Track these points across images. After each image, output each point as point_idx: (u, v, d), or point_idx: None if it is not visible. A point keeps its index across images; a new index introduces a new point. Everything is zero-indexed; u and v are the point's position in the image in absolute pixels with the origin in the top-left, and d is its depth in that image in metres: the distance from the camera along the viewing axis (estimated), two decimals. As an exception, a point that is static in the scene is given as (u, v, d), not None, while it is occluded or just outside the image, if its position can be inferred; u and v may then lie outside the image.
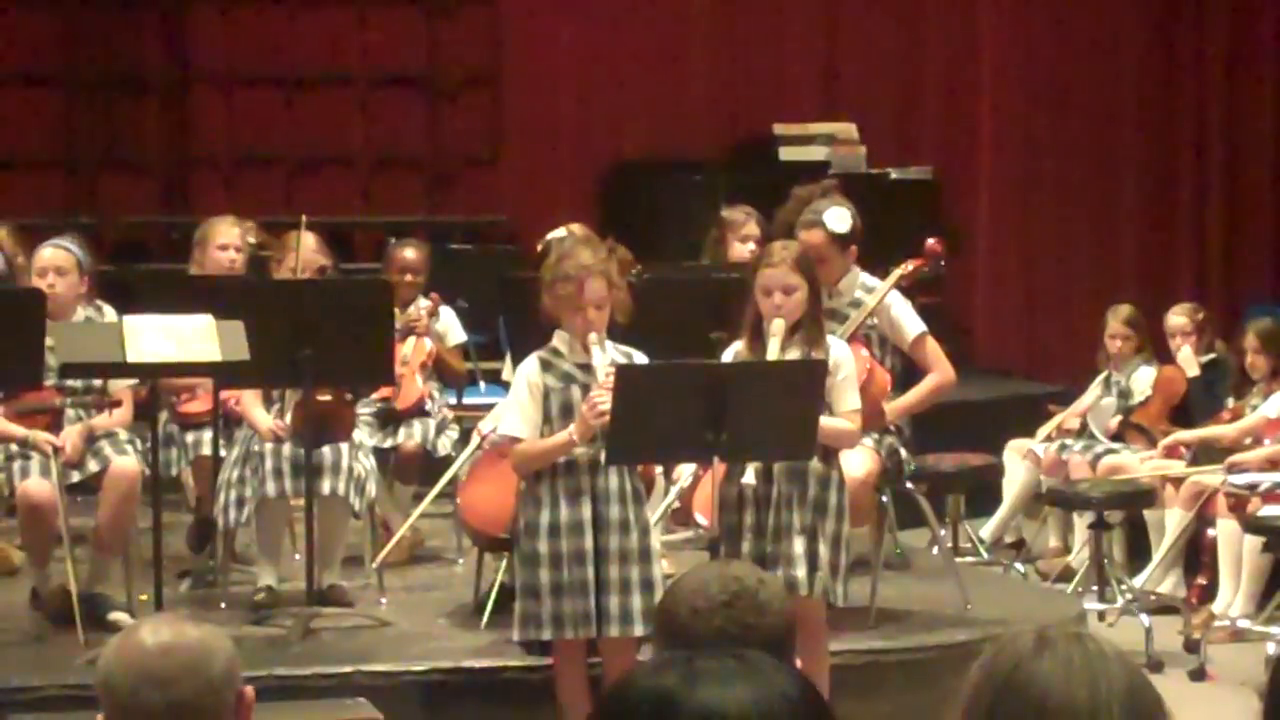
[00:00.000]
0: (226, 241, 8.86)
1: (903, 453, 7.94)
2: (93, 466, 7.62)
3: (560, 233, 8.70)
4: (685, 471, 7.25)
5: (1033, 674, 2.48)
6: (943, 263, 8.33)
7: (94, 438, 7.65)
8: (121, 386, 7.81)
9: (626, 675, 2.48)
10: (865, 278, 7.86)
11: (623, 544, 6.44)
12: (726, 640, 3.26)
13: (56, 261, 7.83)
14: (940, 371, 7.88)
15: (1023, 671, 2.49)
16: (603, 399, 6.22)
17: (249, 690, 3.17)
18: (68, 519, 7.51)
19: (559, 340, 6.49)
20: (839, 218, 7.75)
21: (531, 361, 6.49)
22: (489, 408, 8.48)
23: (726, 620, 3.31)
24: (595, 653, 6.66)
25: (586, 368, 6.39)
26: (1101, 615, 8.87)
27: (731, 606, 3.33)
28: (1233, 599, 9.10)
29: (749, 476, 6.51)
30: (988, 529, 10.53)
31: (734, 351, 6.74)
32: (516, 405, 6.46)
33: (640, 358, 6.58)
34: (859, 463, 7.36)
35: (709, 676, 2.40)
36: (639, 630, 6.38)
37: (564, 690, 6.60)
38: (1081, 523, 9.79)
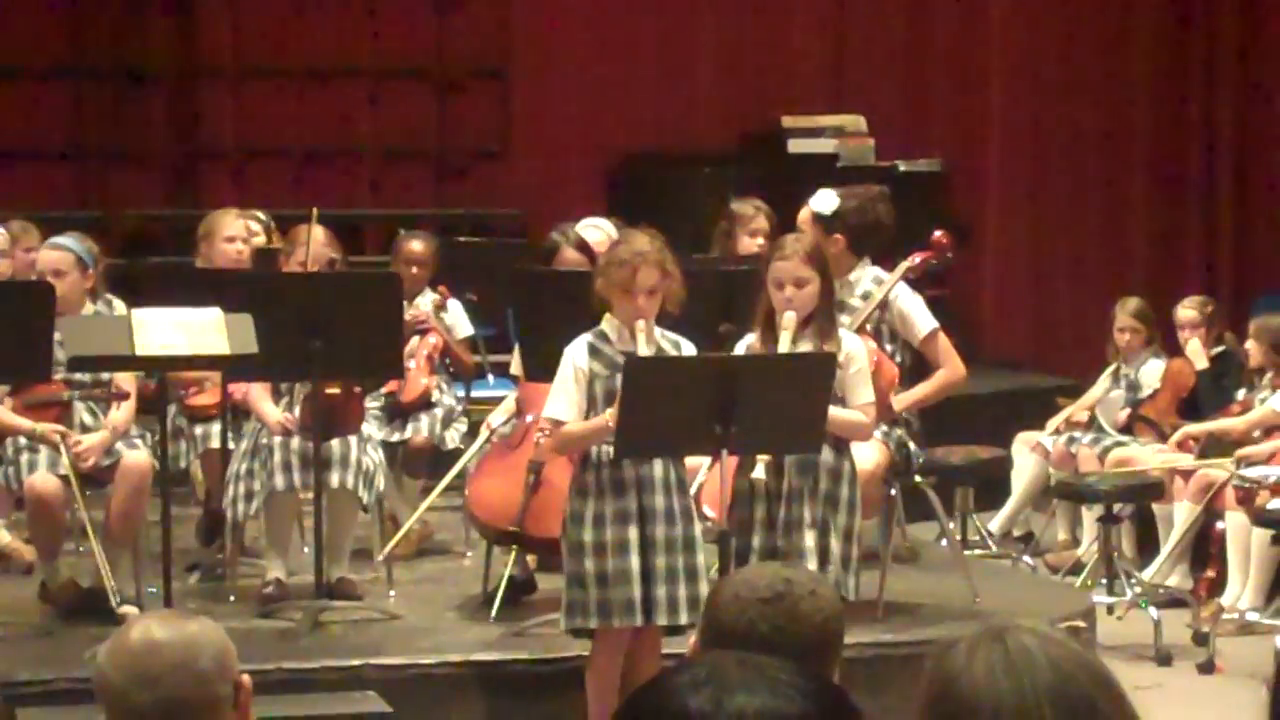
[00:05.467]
0: (233, 234, 8.86)
1: (912, 446, 7.94)
2: (103, 460, 7.63)
3: (599, 226, 8.68)
4: (704, 466, 7.24)
5: (961, 690, 2.47)
6: (950, 255, 8.35)
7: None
8: (126, 377, 7.81)
9: (650, 685, 2.44)
10: (877, 271, 7.88)
11: (668, 533, 6.43)
12: (756, 636, 3.25)
13: (53, 265, 7.81)
14: (950, 368, 7.88)
15: (951, 688, 2.48)
16: None
17: (246, 679, 3.17)
18: (86, 509, 7.51)
19: (608, 325, 6.48)
20: (825, 199, 7.85)
21: (580, 345, 6.48)
22: (498, 401, 8.48)
23: (759, 616, 3.29)
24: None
25: (633, 355, 6.38)
26: (1110, 608, 8.86)
27: (769, 605, 3.31)
28: (1241, 592, 9.09)
29: (759, 471, 6.51)
30: (996, 522, 10.52)
31: (746, 344, 6.73)
32: (562, 389, 6.46)
33: (689, 347, 6.57)
34: (868, 455, 7.37)
35: (737, 695, 2.36)
36: (685, 619, 6.37)
37: (596, 680, 6.57)
38: (1090, 516, 9.79)
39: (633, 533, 6.40)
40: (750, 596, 3.32)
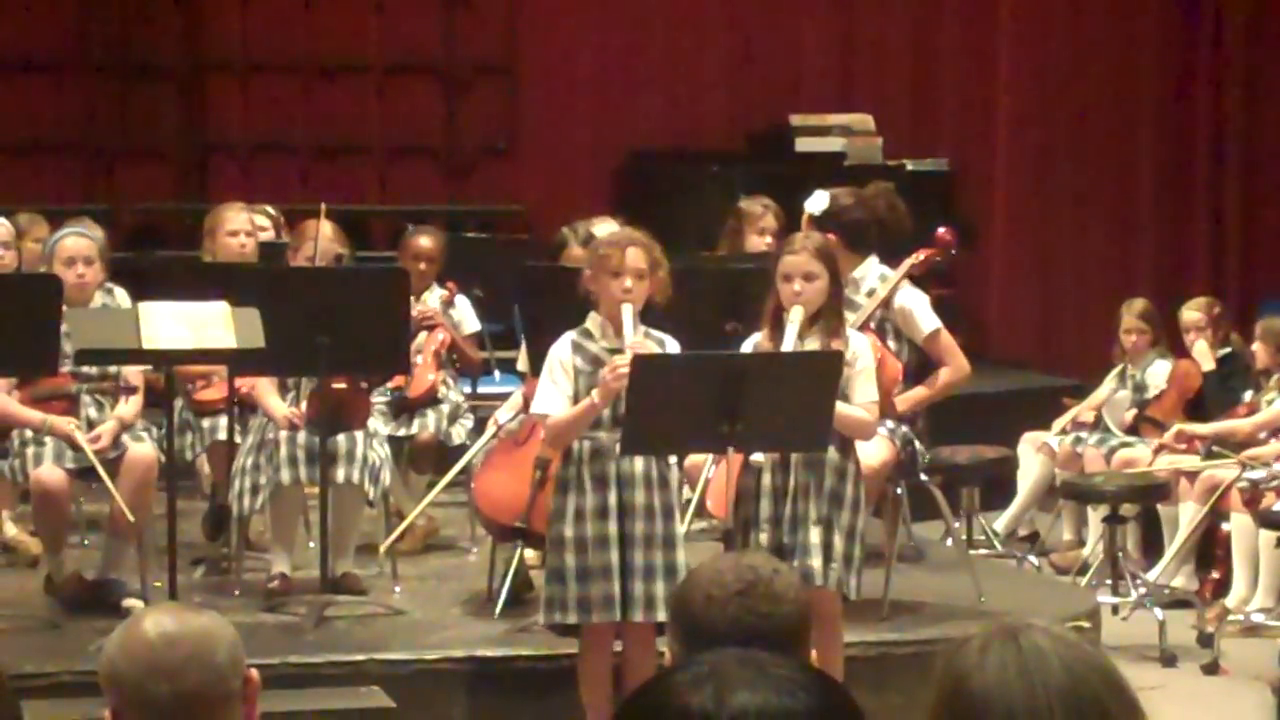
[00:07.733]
0: (235, 228, 8.87)
1: (917, 444, 7.94)
2: (109, 452, 7.63)
3: (607, 225, 8.68)
4: (709, 463, 7.24)
5: (973, 688, 2.47)
6: (954, 251, 8.35)
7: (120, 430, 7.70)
8: (135, 371, 7.82)
9: (651, 684, 2.44)
10: (883, 269, 7.88)
11: (648, 529, 6.44)
12: (740, 629, 3.25)
13: (84, 251, 7.83)
14: (954, 367, 7.88)
15: (964, 686, 2.48)
16: (624, 363, 6.23)
17: (255, 674, 3.17)
18: (90, 503, 7.50)
19: (591, 322, 6.50)
20: (816, 200, 7.86)
21: (563, 342, 6.51)
22: (504, 397, 8.48)
23: (740, 609, 3.30)
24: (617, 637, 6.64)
25: (617, 352, 6.38)
26: (1115, 609, 8.86)
27: (746, 595, 3.32)
28: (1246, 593, 9.09)
29: (758, 456, 6.50)
30: (1002, 521, 10.52)
31: (753, 342, 6.73)
32: (549, 383, 6.48)
33: (673, 345, 6.58)
34: (874, 451, 7.36)
35: (739, 693, 2.36)
36: (662, 616, 6.36)
37: (587, 677, 6.58)
38: (1095, 516, 9.78)
39: (612, 528, 6.41)
40: (724, 593, 3.32)
